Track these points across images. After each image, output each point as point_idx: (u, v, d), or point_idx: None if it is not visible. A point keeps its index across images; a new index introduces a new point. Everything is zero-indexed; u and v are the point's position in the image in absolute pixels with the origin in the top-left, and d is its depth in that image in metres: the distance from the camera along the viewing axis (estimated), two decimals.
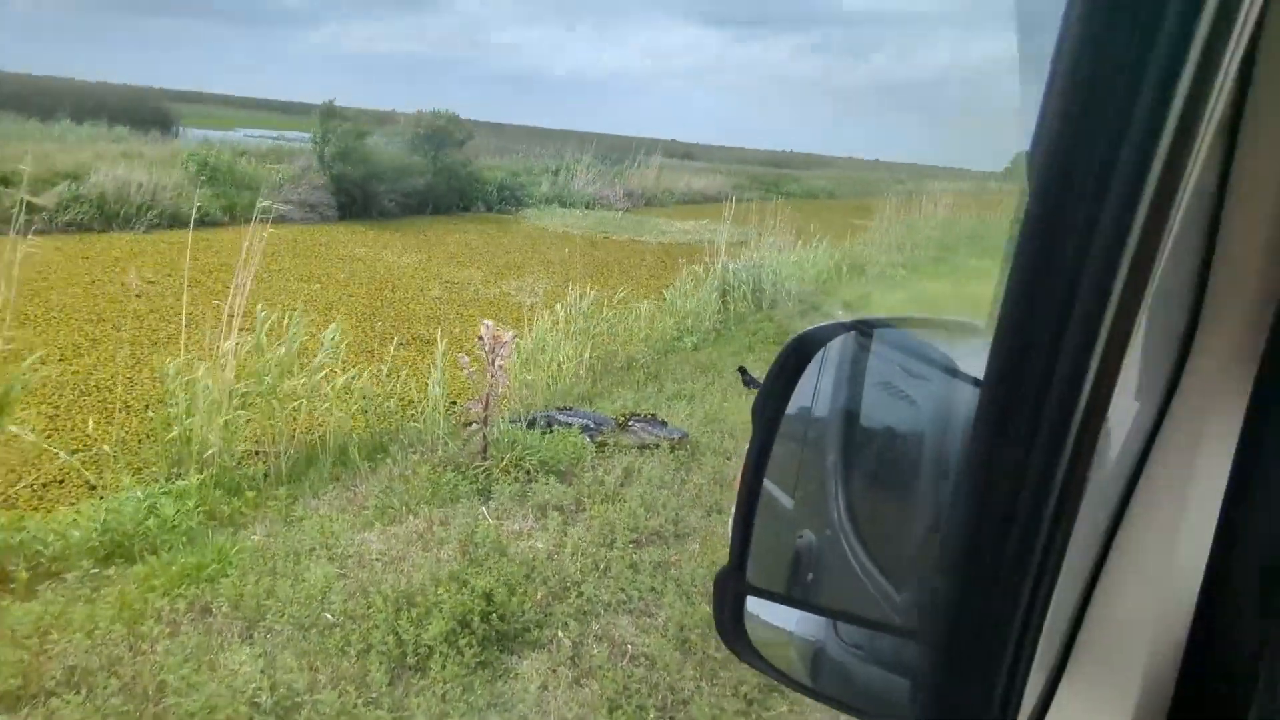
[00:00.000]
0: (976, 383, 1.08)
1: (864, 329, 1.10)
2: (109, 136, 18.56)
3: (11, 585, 3.20)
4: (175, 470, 4.31)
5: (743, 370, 7.02)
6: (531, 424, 5.05)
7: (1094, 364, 0.37)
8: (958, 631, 0.43)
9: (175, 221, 12.53)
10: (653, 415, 5.29)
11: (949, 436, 1.02)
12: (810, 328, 1.00)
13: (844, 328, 1.05)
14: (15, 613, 2.97)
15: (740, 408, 5.97)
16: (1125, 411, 0.68)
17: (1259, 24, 0.48)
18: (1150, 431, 0.69)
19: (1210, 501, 0.66)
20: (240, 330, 4.63)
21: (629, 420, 5.21)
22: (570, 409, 5.52)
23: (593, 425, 5.15)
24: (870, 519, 1.03)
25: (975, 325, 1.30)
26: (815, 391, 1.00)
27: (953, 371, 1.11)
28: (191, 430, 4.29)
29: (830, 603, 1.07)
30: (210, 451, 4.28)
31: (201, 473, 4.19)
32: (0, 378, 3.84)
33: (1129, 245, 0.34)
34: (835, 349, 1.02)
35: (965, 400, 1.09)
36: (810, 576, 1.06)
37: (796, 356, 0.98)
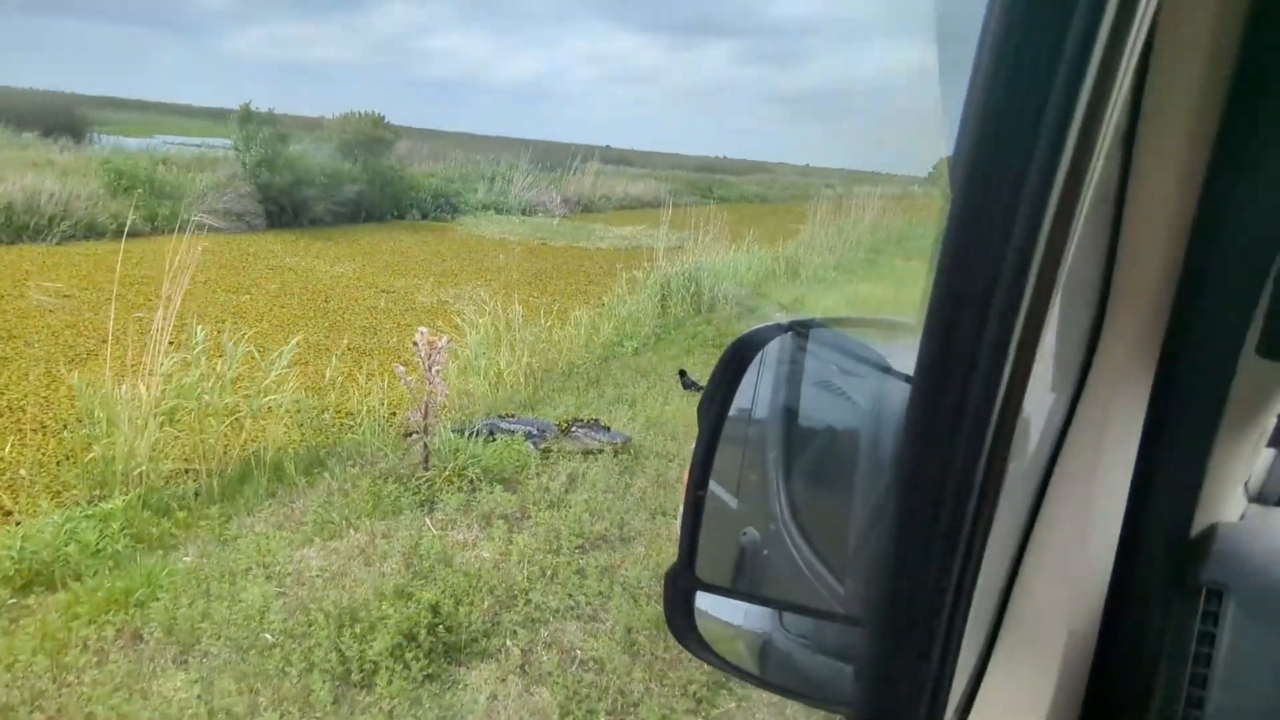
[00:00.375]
0: (908, 379, 1.14)
1: (801, 330, 1.14)
2: (15, 144, 17.60)
3: None
4: (98, 492, 4.13)
5: (682, 373, 7.10)
6: (474, 433, 4.99)
7: (1010, 359, 0.39)
8: (893, 618, 0.45)
9: (91, 232, 11.98)
10: (595, 420, 5.29)
11: (883, 432, 1.07)
12: (750, 330, 1.03)
13: (781, 329, 1.09)
14: None
15: (682, 411, 6.03)
16: (1042, 403, 0.73)
17: (1149, 42, 0.53)
18: (1064, 421, 0.73)
19: (1120, 485, 0.72)
20: (168, 344, 4.47)
21: (572, 426, 5.19)
22: (513, 416, 5.49)
23: (535, 432, 5.12)
24: (811, 514, 1.06)
25: (907, 323, 1.37)
26: (755, 393, 1.03)
27: (885, 369, 1.16)
28: (115, 450, 4.12)
29: (776, 595, 1.11)
30: (136, 471, 4.12)
31: (127, 494, 4.02)
32: None
33: (1038, 246, 0.37)
34: (774, 351, 1.06)
35: (898, 397, 1.15)
36: (756, 571, 1.09)
37: (738, 357, 1.01)
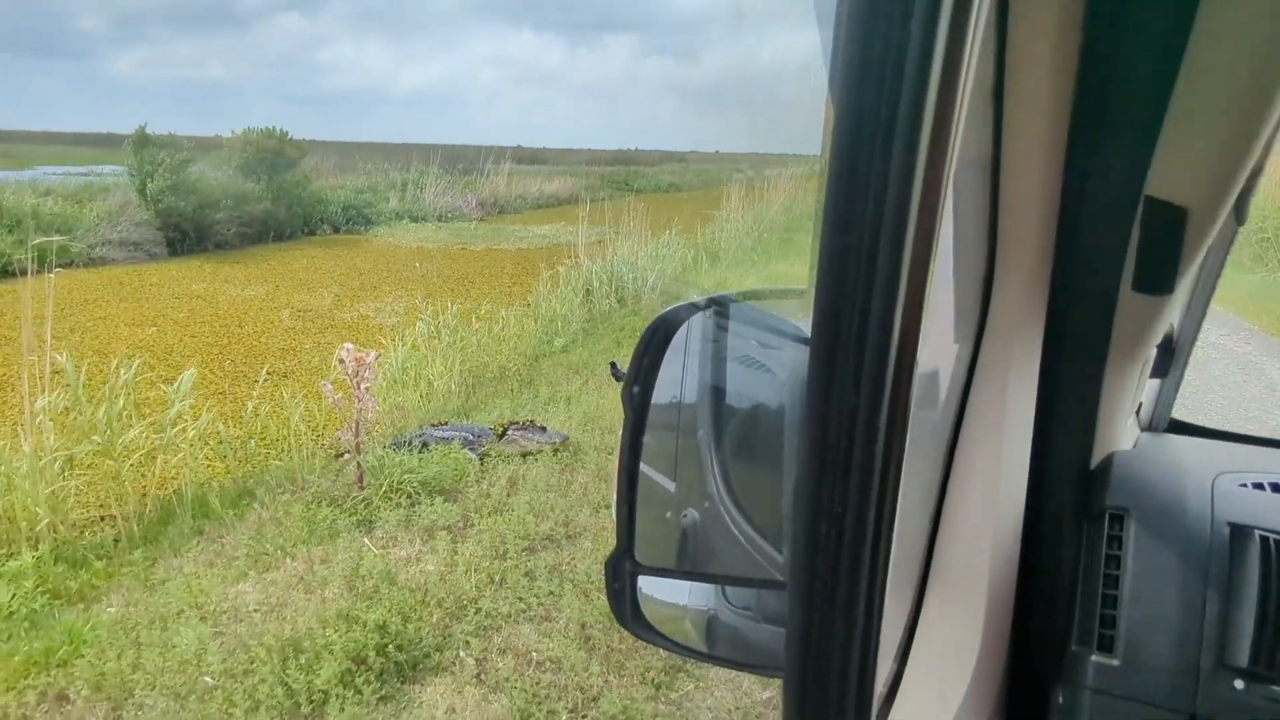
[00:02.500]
0: None
1: (719, 306, 1.15)
2: None
3: None
4: (3, 551, 3.87)
5: (613, 365, 7.07)
6: (406, 445, 4.88)
7: (899, 309, 0.39)
8: (812, 578, 0.45)
9: None
10: (531, 422, 5.22)
11: (801, 402, 1.09)
12: (667, 309, 1.03)
13: (697, 307, 1.09)
14: None
15: (617, 404, 6.02)
16: (948, 357, 0.76)
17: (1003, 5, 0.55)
18: (968, 371, 0.76)
19: (1024, 425, 0.75)
20: (60, 387, 4.21)
21: (507, 429, 5.12)
22: (445, 424, 5.37)
23: (471, 438, 5.02)
24: (745, 487, 1.07)
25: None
26: (682, 377, 1.03)
27: (803, 340, 1.18)
28: (13, 505, 3.86)
29: (718, 570, 1.12)
30: (40, 525, 3.87)
31: (35, 549, 3.78)
32: None
33: (913, 200, 0.38)
34: (695, 330, 1.07)
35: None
36: (697, 550, 1.10)
37: (656, 338, 1.01)
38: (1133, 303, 0.70)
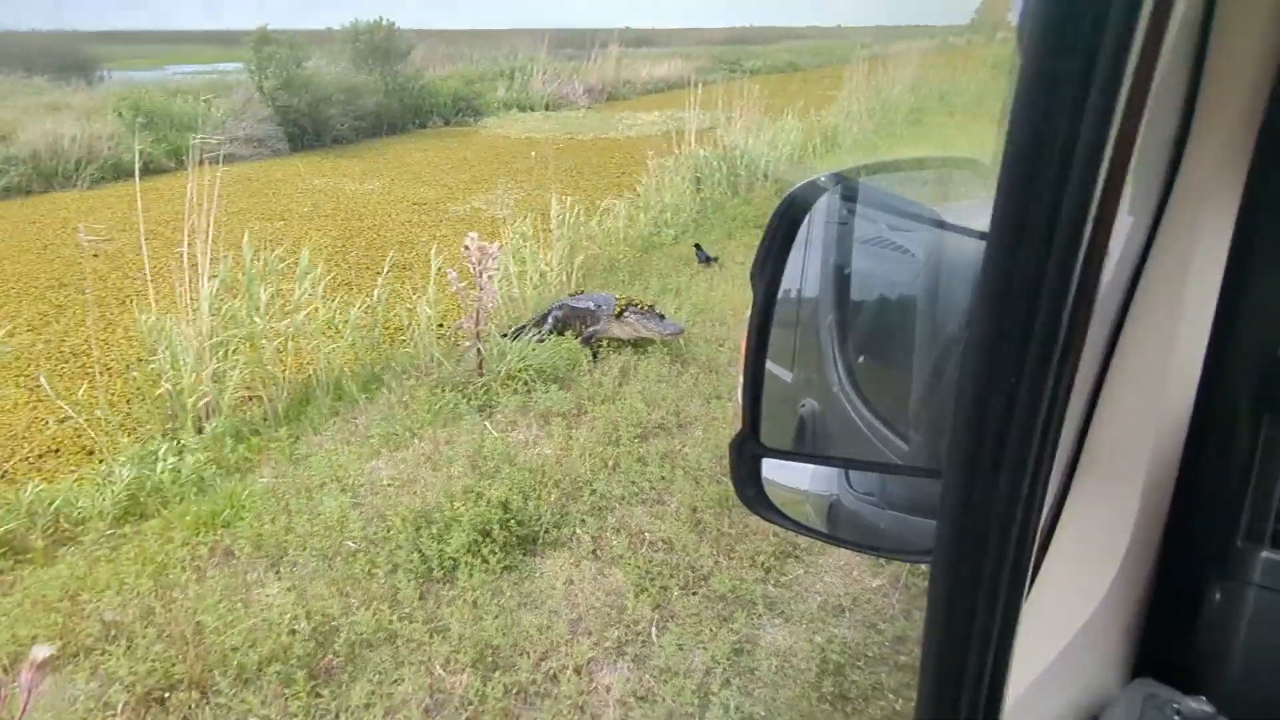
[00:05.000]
0: (966, 232, 1.07)
1: (846, 184, 1.09)
2: (29, 89, 17.51)
3: (29, 555, 3.23)
4: (170, 425, 4.29)
5: (698, 247, 7.04)
6: (545, 317, 5.15)
7: (1100, 182, 0.37)
8: (976, 461, 0.44)
9: (119, 173, 12.02)
10: (650, 307, 5.08)
11: (943, 285, 1.03)
12: (796, 187, 0.99)
13: (829, 182, 1.03)
14: (40, 578, 3.01)
15: (728, 295, 5.95)
16: (1120, 226, 0.69)
17: None
18: (1145, 242, 0.70)
19: (1205, 304, 0.68)
20: (210, 277, 4.51)
21: (625, 310, 5.04)
22: (581, 293, 5.48)
23: (607, 308, 5.07)
24: (870, 374, 1.05)
25: (961, 159, 1.27)
26: (803, 265, 0.99)
27: (939, 223, 1.10)
28: (181, 383, 4.24)
29: (841, 455, 1.11)
30: (204, 401, 4.25)
31: (199, 424, 4.16)
32: None
33: (1128, 65, 0.35)
34: (819, 212, 1.02)
35: (955, 248, 1.08)
36: (818, 438, 1.09)
37: (787, 218, 0.97)
38: None
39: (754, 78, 13.54)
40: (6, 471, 4.24)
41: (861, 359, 1.07)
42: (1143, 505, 0.69)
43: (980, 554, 0.46)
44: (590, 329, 5.05)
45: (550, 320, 5.19)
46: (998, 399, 0.42)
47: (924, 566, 0.53)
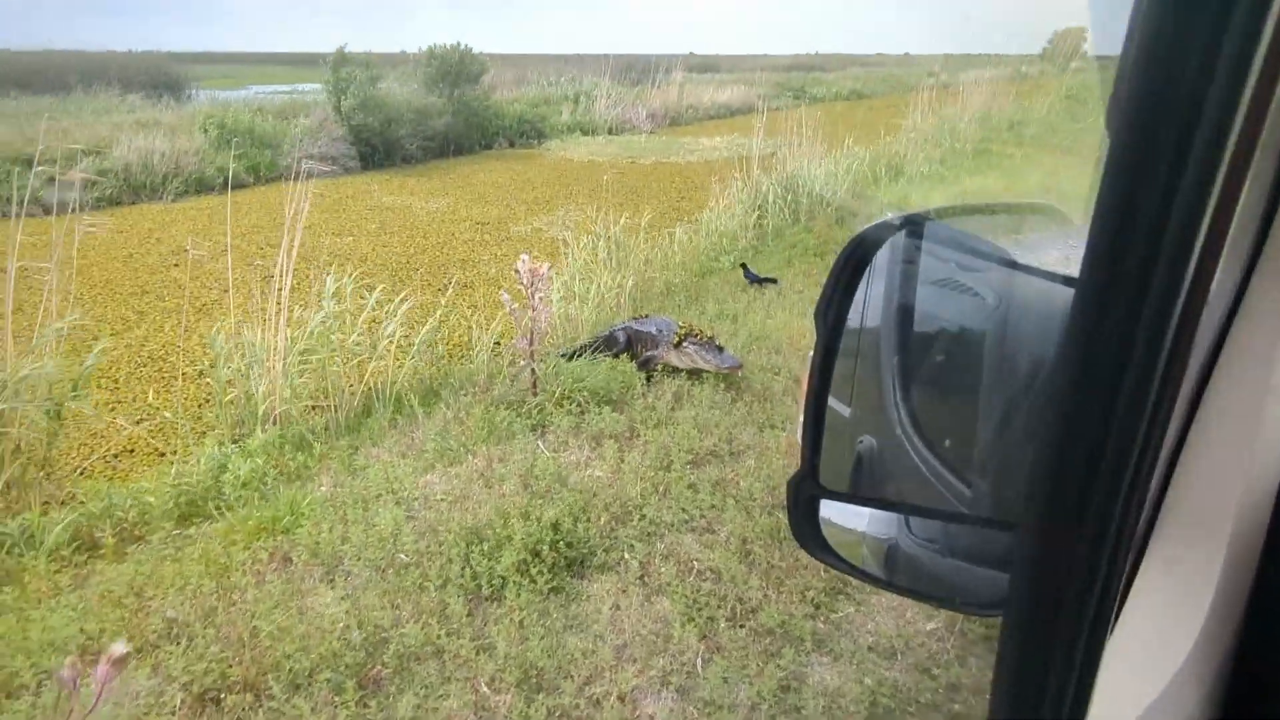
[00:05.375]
0: (1043, 274, 1.05)
1: (915, 225, 1.08)
2: (123, 106, 18.58)
3: (100, 550, 3.36)
4: (239, 430, 4.44)
5: (744, 267, 7.01)
6: (605, 339, 5.21)
7: (1203, 229, 0.36)
8: (1055, 517, 0.44)
9: (201, 187, 12.63)
10: (710, 338, 4.95)
11: (1014, 328, 1.00)
12: (866, 227, 0.98)
13: (894, 225, 1.02)
14: (109, 574, 3.13)
15: (785, 324, 5.90)
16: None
17: None
18: (1238, 292, 0.67)
19: None
20: (290, 290, 4.68)
21: (685, 339, 4.94)
22: (646, 317, 5.48)
23: (668, 333, 5.03)
24: (933, 417, 1.03)
25: (1036, 206, 1.24)
26: (865, 300, 0.98)
27: (1010, 263, 1.07)
28: (252, 391, 4.39)
29: (901, 500, 1.08)
30: (274, 410, 4.39)
31: (265, 431, 4.30)
32: (74, 359, 3.96)
33: (1236, 119, 0.34)
34: (887, 252, 1.01)
35: (1030, 290, 1.06)
36: (875, 478, 1.07)
37: (855, 257, 0.97)
38: None
39: (818, 104, 13.49)
40: (85, 468, 4.44)
41: (925, 400, 1.05)
42: (1229, 561, 0.66)
43: (1058, 609, 0.45)
44: (647, 354, 5.04)
45: (614, 341, 5.21)
46: (1080, 449, 0.41)
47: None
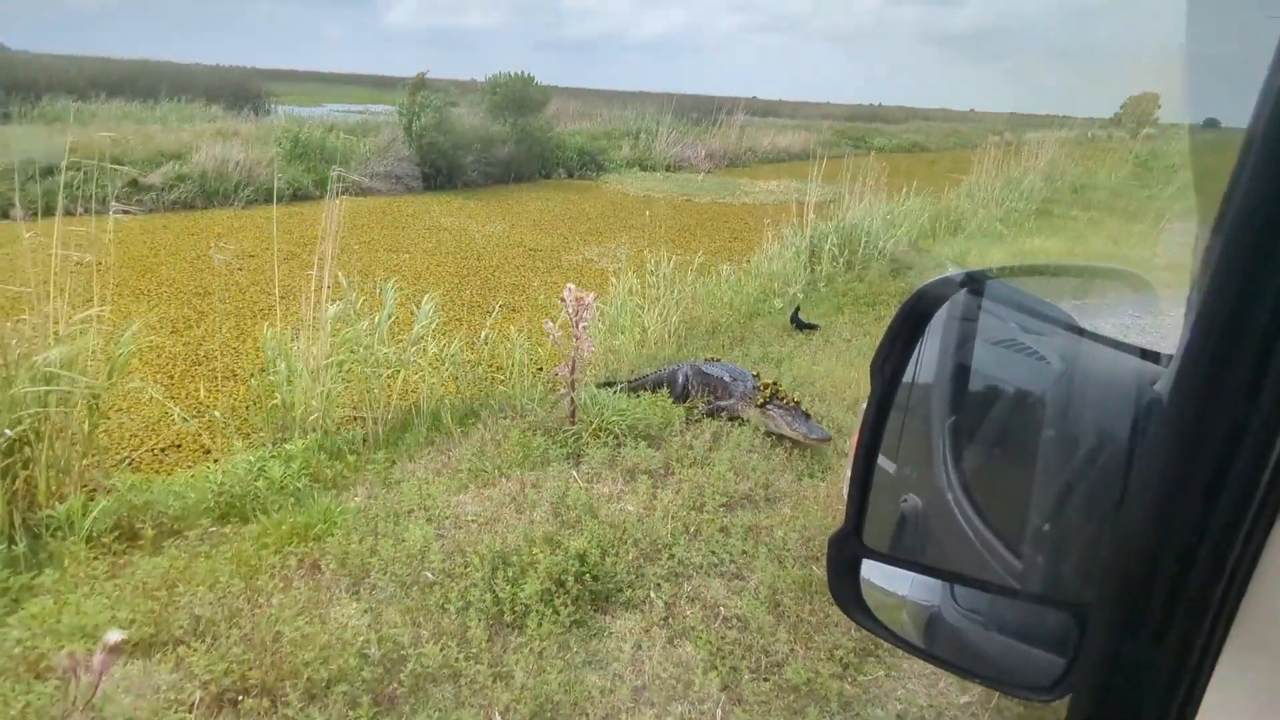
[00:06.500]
0: (1112, 342, 0.99)
1: (976, 282, 1.04)
2: (205, 116, 19.47)
3: (139, 542, 3.43)
4: (280, 435, 4.51)
5: (796, 311, 7.00)
6: (668, 376, 5.11)
7: None
8: (1138, 607, 0.40)
9: (271, 196, 13.06)
10: (796, 404, 4.66)
11: (1079, 398, 0.96)
12: (927, 283, 0.95)
13: (959, 281, 0.99)
14: (145, 566, 3.18)
15: (830, 370, 5.83)
16: None
17: None
18: None
19: None
20: (333, 300, 4.77)
21: (770, 401, 4.63)
22: (717, 360, 5.29)
23: (740, 382, 4.86)
24: (986, 483, 0.98)
25: (1120, 270, 1.19)
26: (918, 355, 0.95)
27: (1076, 329, 1.03)
28: (294, 397, 4.48)
29: (946, 566, 1.03)
30: (312, 417, 4.46)
31: (305, 437, 4.37)
32: (110, 343, 4.07)
33: None
34: (946, 309, 0.98)
35: (1095, 359, 1.01)
36: (920, 540, 1.03)
37: (916, 312, 0.94)
38: None
39: (878, 155, 13.45)
40: (134, 460, 4.56)
41: (978, 463, 1.00)
42: None
43: (1137, 696, 0.42)
44: (720, 403, 4.83)
45: (674, 382, 5.07)
46: (1175, 540, 0.38)
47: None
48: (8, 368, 3.50)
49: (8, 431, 3.41)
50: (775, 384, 4.77)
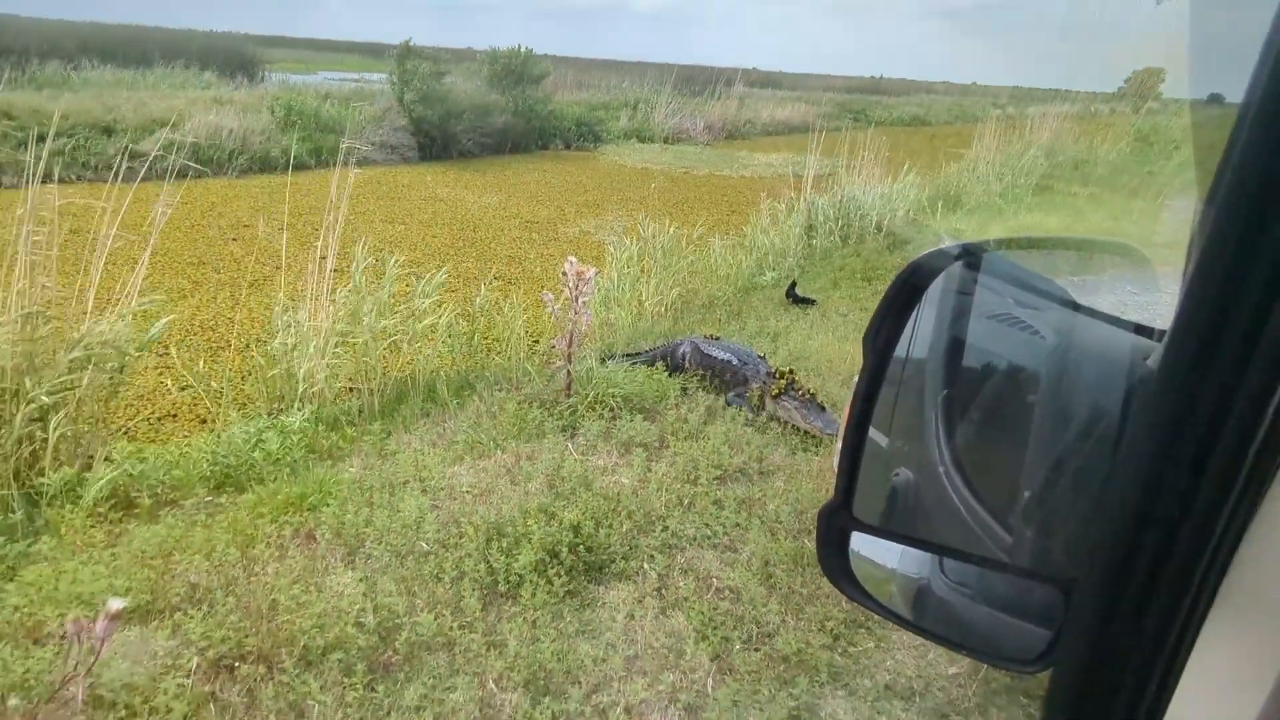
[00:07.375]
0: (1107, 317, 0.99)
1: (973, 255, 1.04)
2: (198, 83, 19.21)
3: (136, 510, 3.44)
4: (277, 405, 4.52)
5: (792, 285, 6.93)
6: (667, 352, 5.08)
7: None
8: (1122, 582, 0.41)
9: (265, 165, 12.97)
10: (812, 395, 4.54)
11: (1073, 373, 0.96)
12: (922, 254, 0.94)
13: (954, 254, 0.98)
14: (141, 535, 3.20)
15: (825, 344, 5.83)
16: None
17: None
18: None
19: None
20: (332, 271, 4.75)
21: (785, 392, 4.52)
22: (717, 339, 5.22)
23: (750, 365, 4.78)
24: (977, 457, 0.98)
25: (1120, 244, 1.19)
26: (913, 328, 0.94)
27: (1072, 304, 1.03)
28: (292, 368, 4.47)
29: (936, 539, 1.04)
30: (311, 388, 4.46)
31: (302, 408, 4.37)
32: (140, 326, 4.10)
33: None
34: (942, 282, 0.97)
35: (1090, 335, 1.01)
36: (911, 513, 1.03)
37: (909, 285, 0.94)
38: None
39: (878, 128, 13.35)
40: (129, 429, 4.57)
41: (970, 438, 1.00)
42: None
43: (1117, 675, 0.43)
44: (741, 396, 4.70)
45: (675, 359, 5.06)
46: (1160, 514, 0.38)
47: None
48: (52, 337, 3.53)
49: (44, 398, 3.43)
50: (791, 372, 4.66)
